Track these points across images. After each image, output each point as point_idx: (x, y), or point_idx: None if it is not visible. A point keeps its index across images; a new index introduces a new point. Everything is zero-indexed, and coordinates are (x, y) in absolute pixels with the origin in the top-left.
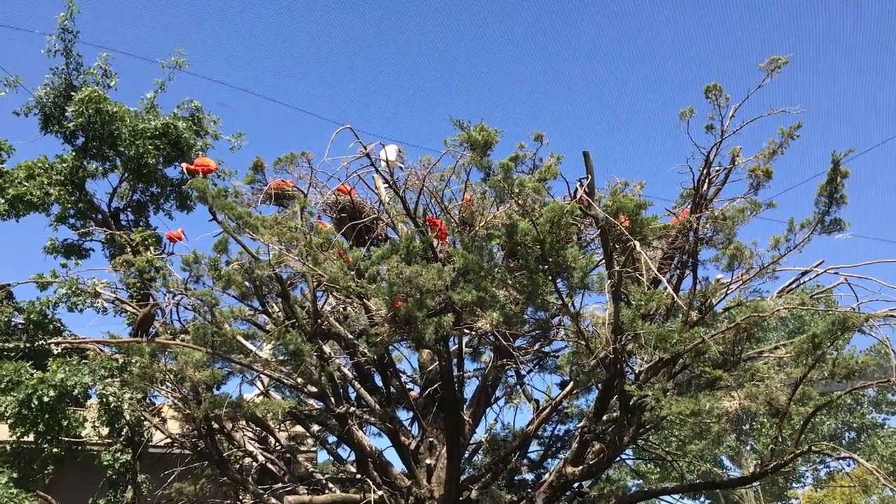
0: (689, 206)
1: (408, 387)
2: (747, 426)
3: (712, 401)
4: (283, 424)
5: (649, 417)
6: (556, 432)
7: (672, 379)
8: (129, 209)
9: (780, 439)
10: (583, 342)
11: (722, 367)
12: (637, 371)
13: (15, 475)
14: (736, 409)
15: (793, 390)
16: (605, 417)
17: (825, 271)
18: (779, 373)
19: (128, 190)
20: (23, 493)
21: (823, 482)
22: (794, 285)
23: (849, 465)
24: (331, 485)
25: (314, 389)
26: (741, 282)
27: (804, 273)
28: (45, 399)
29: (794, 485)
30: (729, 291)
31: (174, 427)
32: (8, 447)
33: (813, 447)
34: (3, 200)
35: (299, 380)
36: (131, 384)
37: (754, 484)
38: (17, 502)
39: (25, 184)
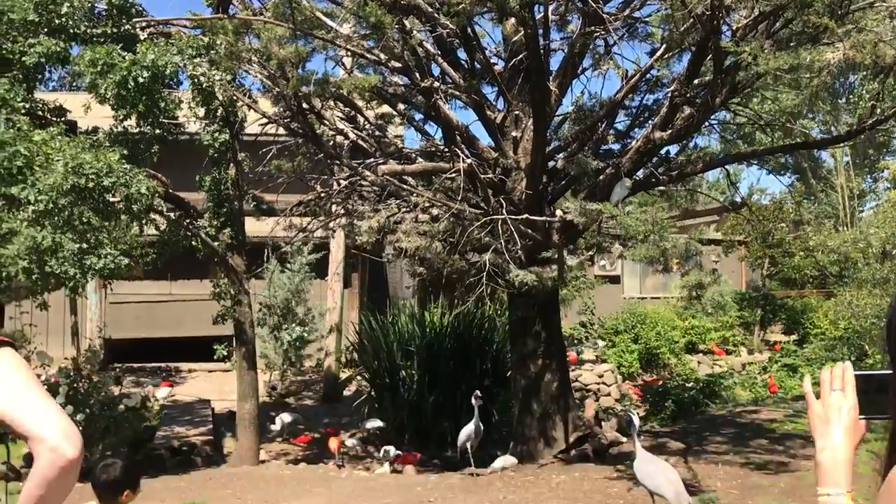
0: None
1: (492, 61)
2: (843, 99)
3: (814, 53)
4: (370, 104)
5: (744, 77)
6: (644, 101)
7: (771, 37)
8: None
9: (882, 97)
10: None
11: (829, 16)
12: (734, 27)
13: (125, 152)
14: (839, 61)
15: None
16: (696, 81)
17: None
18: (890, 23)
19: None
20: (135, 169)
21: None
22: None
23: None
24: (420, 158)
25: (398, 65)
26: None
27: None
28: (140, 80)
29: (886, 157)
30: None
31: (266, 107)
32: (114, 129)
33: None
34: None
35: (382, 56)
36: (219, 64)
37: (845, 149)
38: (132, 176)
39: None
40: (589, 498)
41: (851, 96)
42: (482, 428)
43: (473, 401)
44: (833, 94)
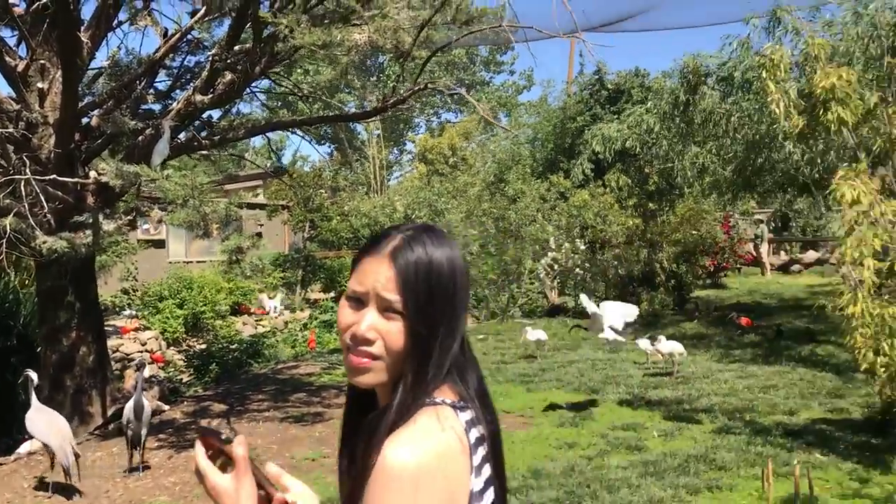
0: None
1: (11, 1)
2: (375, 77)
3: (344, 33)
4: None
5: (282, 48)
6: (185, 63)
7: (307, 12)
8: None
9: (403, 79)
10: None
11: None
12: None
13: None
14: (365, 42)
15: (418, 31)
16: (237, 48)
17: None
18: (407, 13)
19: None
20: None
21: (434, 130)
22: None
23: (456, 117)
24: None
25: None
26: None
27: None
28: None
29: (409, 132)
30: None
31: None
32: None
33: (429, 84)
34: None
35: None
36: None
37: (377, 123)
38: None
39: None
40: (126, 474)
41: (382, 75)
42: (144, 403)
43: None
44: (365, 72)
